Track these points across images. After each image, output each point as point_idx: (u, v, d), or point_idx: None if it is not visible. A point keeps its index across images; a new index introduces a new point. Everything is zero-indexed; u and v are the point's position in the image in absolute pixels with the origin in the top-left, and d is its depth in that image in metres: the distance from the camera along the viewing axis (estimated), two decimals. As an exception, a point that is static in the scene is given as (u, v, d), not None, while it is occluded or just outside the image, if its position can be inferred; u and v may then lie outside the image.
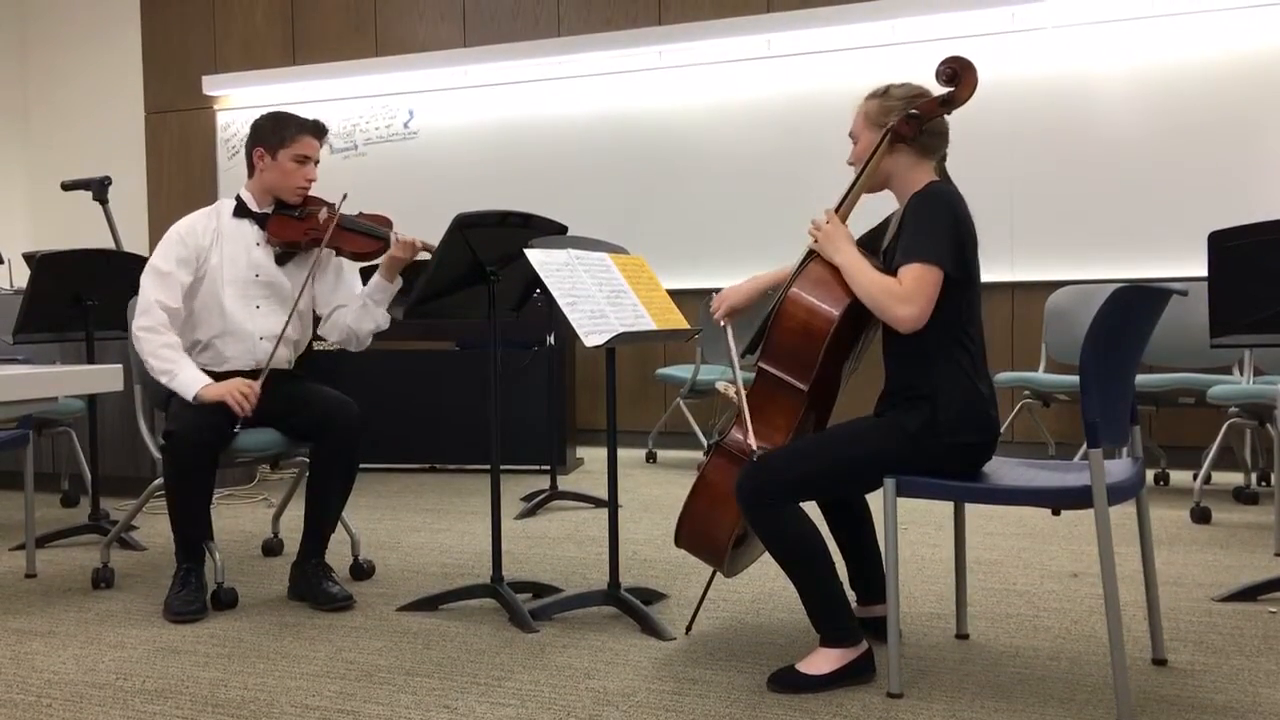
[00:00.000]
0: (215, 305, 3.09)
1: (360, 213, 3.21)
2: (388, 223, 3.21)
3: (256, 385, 2.97)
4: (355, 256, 3.19)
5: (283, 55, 7.10)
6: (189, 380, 2.96)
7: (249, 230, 3.16)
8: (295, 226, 3.16)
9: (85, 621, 2.89)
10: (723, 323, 2.61)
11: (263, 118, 3.18)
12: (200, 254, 3.09)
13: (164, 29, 7.42)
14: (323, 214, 3.16)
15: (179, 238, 3.09)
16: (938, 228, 2.24)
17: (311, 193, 3.20)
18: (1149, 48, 5.30)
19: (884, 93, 2.40)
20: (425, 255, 3.15)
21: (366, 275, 3.38)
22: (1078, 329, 4.70)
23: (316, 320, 3.34)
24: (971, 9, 5.50)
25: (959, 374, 2.28)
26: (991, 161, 5.42)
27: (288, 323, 3.10)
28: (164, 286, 3.02)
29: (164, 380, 2.97)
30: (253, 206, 3.18)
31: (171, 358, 2.98)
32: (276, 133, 3.12)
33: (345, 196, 3.13)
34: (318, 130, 3.17)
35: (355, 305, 3.22)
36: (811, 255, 2.43)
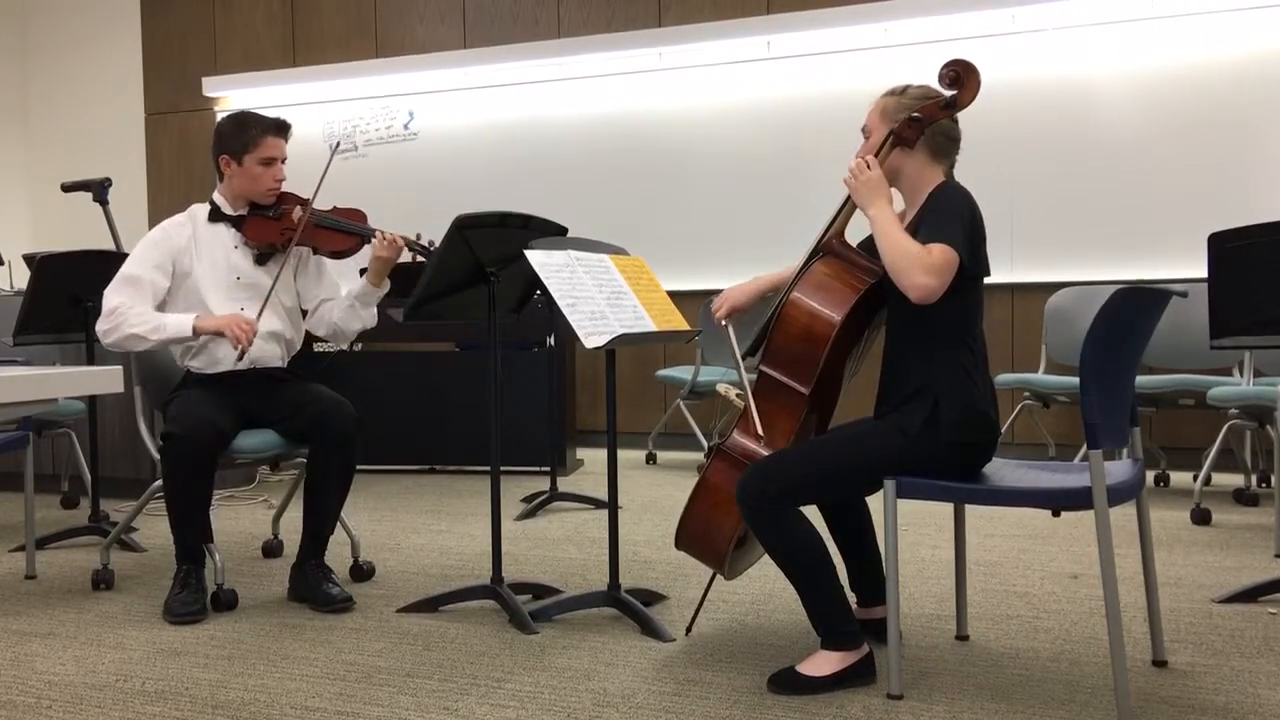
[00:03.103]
0: (202, 310, 3.08)
1: (334, 207, 3.21)
2: (362, 217, 3.20)
3: (255, 319, 2.98)
4: (334, 254, 3.19)
5: (283, 56, 7.10)
6: (179, 321, 2.98)
7: (226, 234, 3.16)
8: (271, 227, 3.16)
9: (85, 623, 2.89)
10: (724, 323, 2.61)
11: (224, 122, 3.17)
12: (175, 257, 3.09)
13: (164, 30, 7.42)
14: (296, 212, 3.15)
15: (152, 243, 3.10)
16: (958, 218, 2.25)
17: (285, 189, 3.20)
18: (1149, 49, 5.30)
19: (902, 91, 2.40)
20: (407, 256, 3.15)
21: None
22: (1078, 330, 4.71)
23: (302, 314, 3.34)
24: (972, 10, 5.50)
25: (960, 374, 2.28)
26: (991, 162, 5.42)
27: (261, 310, 3.06)
28: (133, 294, 3.02)
29: (156, 338, 2.97)
30: (227, 210, 3.17)
31: (148, 316, 2.99)
32: (239, 137, 3.10)
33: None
34: (280, 129, 3.15)
35: (342, 304, 3.23)
36: (814, 257, 2.44)
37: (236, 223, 3.17)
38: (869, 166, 2.34)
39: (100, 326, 3.01)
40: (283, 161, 3.17)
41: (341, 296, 3.28)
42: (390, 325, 3.90)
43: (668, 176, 6.21)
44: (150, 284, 3.05)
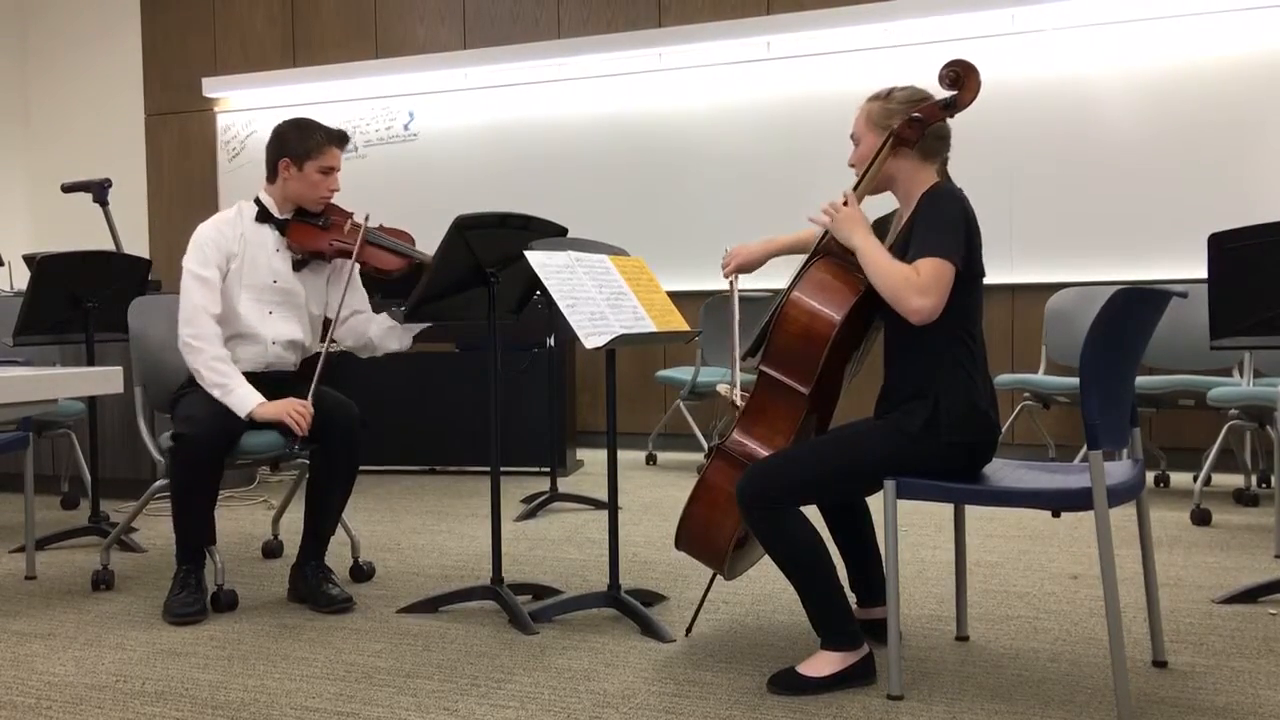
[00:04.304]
0: (230, 309, 3.08)
1: (381, 225, 3.20)
2: (410, 239, 3.20)
3: (309, 404, 2.97)
4: (380, 273, 3.17)
5: (283, 57, 7.10)
6: (244, 398, 2.95)
7: (270, 236, 3.15)
8: (319, 235, 3.15)
9: (85, 623, 2.89)
10: (730, 280, 2.65)
11: (287, 126, 3.15)
12: (229, 258, 3.09)
13: (164, 31, 7.42)
14: (348, 226, 3.15)
15: (211, 241, 3.08)
16: (951, 225, 2.25)
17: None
18: (1149, 50, 5.30)
19: (886, 95, 2.40)
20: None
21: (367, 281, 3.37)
22: (1078, 331, 4.70)
23: (325, 324, 3.34)
24: (972, 11, 5.50)
25: (960, 375, 2.28)
26: (991, 162, 5.42)
27: (329, 336, 3.11)
28: (207, 292, 3.02)
29: (217, 394, 2.95)
30: (274, 212, 3.16)
31: (225, 372, 2.98)
32: (302, 144, 3.09)
33: (368, 217, 3.11)
34: (343, 140, 3.16)
35: (383, 323, 3.23)
36: (814, 257, 2.44)
37: (281, 226, 3.16)
38: (845, 202, 2.37)
39: (184, 334, 2.98)
40: (338, 172, 3.16)
41: (372, 312, 3.27)
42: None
43: (668, 176, 6.21)
44: (216, 284, 3.06)
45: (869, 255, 2.29)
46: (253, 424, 3.03)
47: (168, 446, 2.91)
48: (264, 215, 3.15)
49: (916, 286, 2.20)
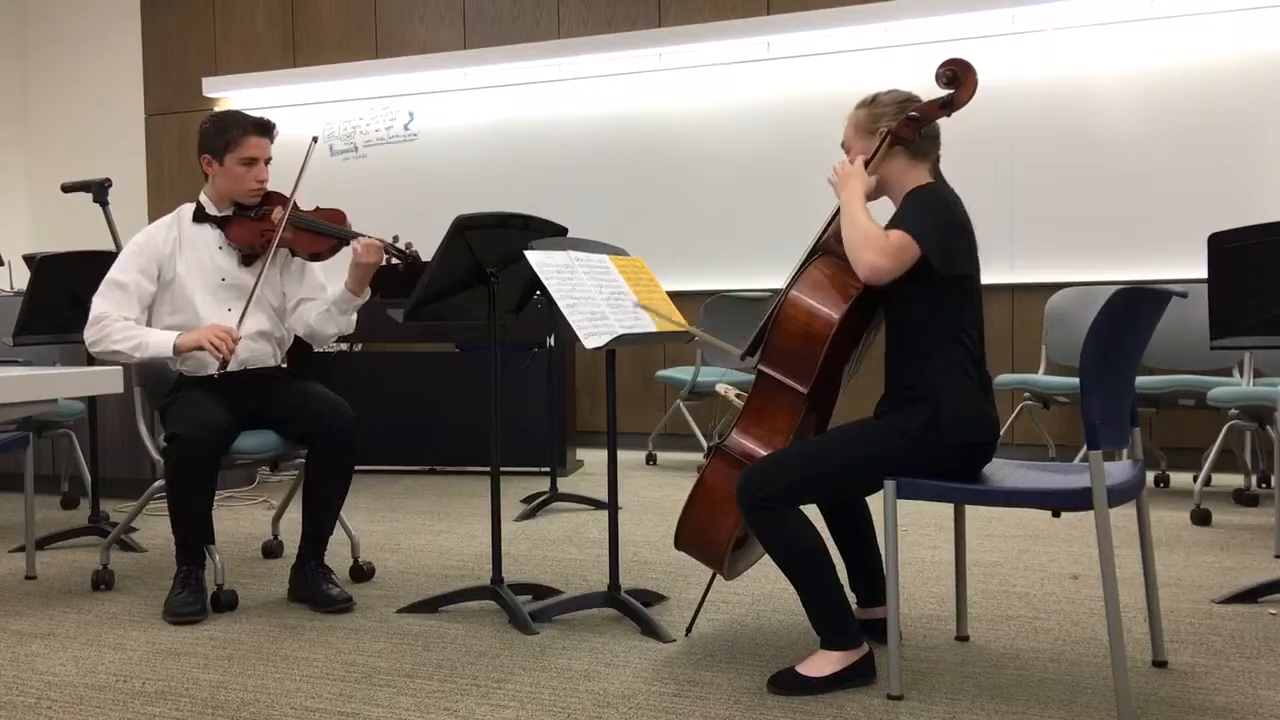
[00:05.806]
0: (190, 312, 3.08)
1: (317, 208, 3.18)
2: (342, 217, 3.17)
3: (234, 328, 2.96)
4: (312, 257, 3.16)
5: (283, 57, 7.10)
6: (160, 340, 2.98)
7: (210, 235, 3.15)
8: (252, 228, 3.13)
9: (85, 623, 2.89)
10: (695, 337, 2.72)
11: (206, 122, 3.16)
12: (160, 261, 3.09)
13: (164, 31, 7.42)
14: (276, 213, 3.12)
15: (138, 248, 3.10)
16: (927, 214, 2.28)
17: (274, 189, 3.17)
18: (1149, 50, 5.30)
19: (872, 101, 2.41)
20: (396, 259, 3.08)
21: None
22: (1078, 331, 4.70)
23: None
24: (972, 11, 5.50)
25: (959, 375, 2.28)
26: (992, 162, 5.42)
27: (243, 315, 3.03)
28: (120, 299, 3.03)
29: (139, 355, 2.97)
30: (211, 210, 3.16)
31: (132, 332, 2.99)
32: (220, 137, 3.08)
33: (315, 140, 3.06)
34: (262, 129, 3.12)
35: (319, 307, 3.19)
36: (813, 255, 2.44)
37: (221, 223, 3.15)
38: (852, 161, 2.40)
39: (87, 335, 3.01)
40: (266, 162, 3.13)
41: (324, 297, 3.25)
42: (390, 325, 3.90)
43: (668, 176, 6.21)
44: (136, 289, 3.05)
45: (849, 206, 2.33)
46: (247, 424, 3.03)
47: (163, 448, 2.91)
48: (201, 215, 3.15)
49: (878, 246, 2.23)
